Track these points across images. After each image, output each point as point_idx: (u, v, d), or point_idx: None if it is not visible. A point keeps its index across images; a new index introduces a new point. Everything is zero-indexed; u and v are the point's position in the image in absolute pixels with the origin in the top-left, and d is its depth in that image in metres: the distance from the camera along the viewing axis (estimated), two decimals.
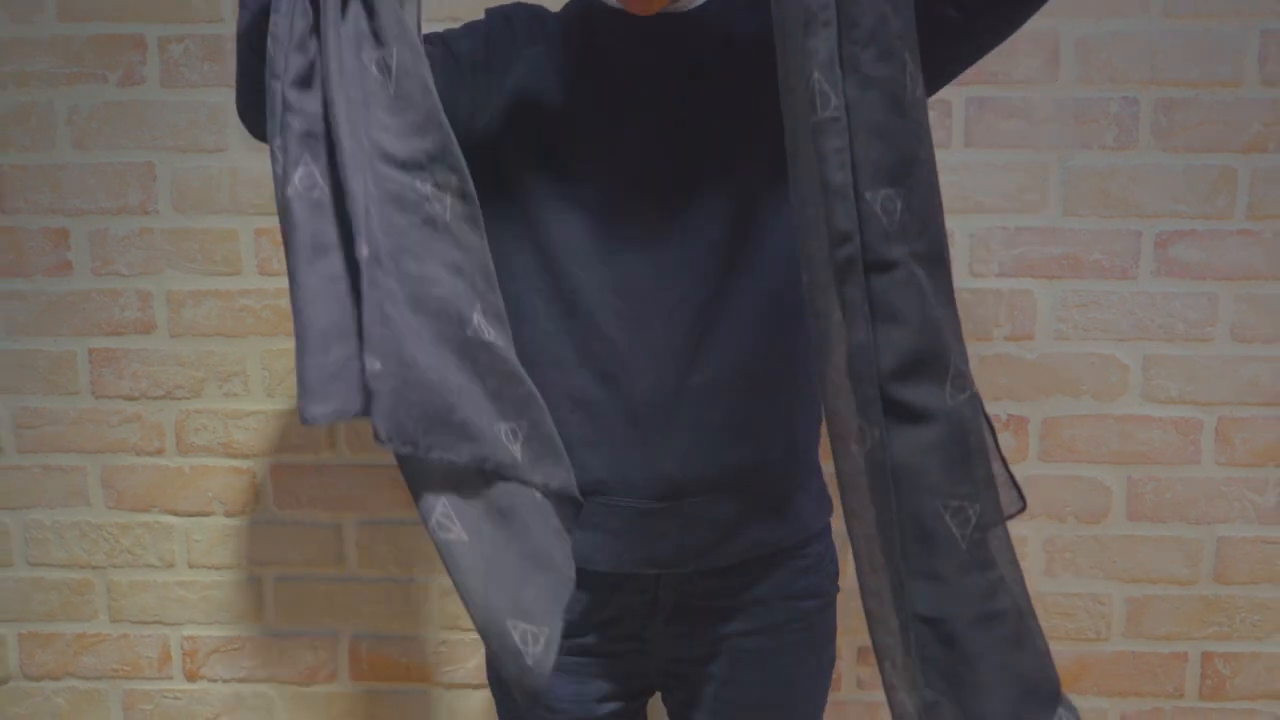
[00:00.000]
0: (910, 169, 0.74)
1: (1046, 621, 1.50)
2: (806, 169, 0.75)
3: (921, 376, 0.74)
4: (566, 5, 1.03)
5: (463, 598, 0.79)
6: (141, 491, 1.53)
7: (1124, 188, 1.42)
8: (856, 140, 0.73)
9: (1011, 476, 0.78)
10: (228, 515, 1.52)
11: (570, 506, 0.87)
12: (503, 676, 0.86)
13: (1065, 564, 1.49)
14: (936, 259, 0.75)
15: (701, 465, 0.98)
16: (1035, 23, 1.39)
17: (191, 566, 1.54)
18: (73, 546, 1.54)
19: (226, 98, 1.44)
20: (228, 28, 1.43)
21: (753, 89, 0.95)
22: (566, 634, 1.06)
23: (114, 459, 1.52)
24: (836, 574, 1.14)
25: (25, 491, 1.53)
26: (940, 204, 0.76)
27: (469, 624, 1.53)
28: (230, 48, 1.43)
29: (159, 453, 1.52)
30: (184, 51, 1.43)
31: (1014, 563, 0.77)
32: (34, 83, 1.45)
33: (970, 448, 0.75)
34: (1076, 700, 1.51)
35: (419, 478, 0.78)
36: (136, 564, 1.54)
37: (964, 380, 0.75)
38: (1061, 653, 1.50)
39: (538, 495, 0.83)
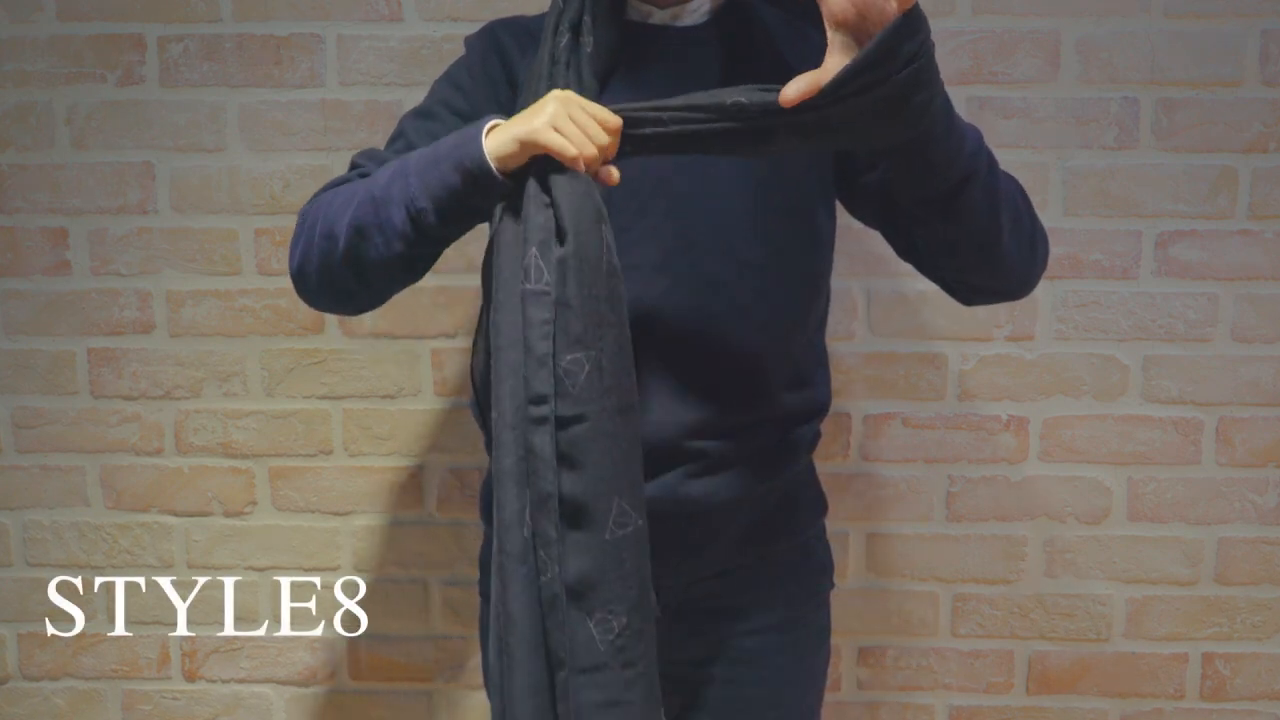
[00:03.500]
0: (601, 333, 0.84)
1: (1047, 622, 1.50)
2: (510, 322, 0.86)
3: (585, 519, 0.84)
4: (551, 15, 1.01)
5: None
6: (140, 491, 1.52)
7: (1124, 188, 1.41)
8: (558, 312, 0.83)
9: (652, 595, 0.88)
10: (227, 515, 1.52)
11: None
12: None
13: (1065, 564, 1.49)
14: (627, 409, 0.85)
15: (705, 486, 0.98)
16: (1035, 23, 1.39)
17: (190, 567, 1.54)
18: (71, 546, 1.54)
19: (226, 97, 1.44)
20: (227, 27, 1.43)
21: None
22: None
23: (113, 459, 1.52)
24: (832, 573, 1.14)
25: (24, 491, 1.53)
26: (630, 360, 0.87)
27: (468, 624, 1.53)
28: (229, 47, 1.43)
29: (158, 453, 1.52)
30: (183, 51, 1.43)
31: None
32: (34, 82, 1.45)
33: (623, 572, 0.84)
34: (1077, 701, 1.51)
35: None
36: (136, 564, 1.54)
37: (627, 517, 0.85)
38: (1062, 653, 1.50)
39: None
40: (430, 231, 0.88)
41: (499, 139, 0.85)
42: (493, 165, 0.85)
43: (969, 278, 0.96)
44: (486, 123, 0.87)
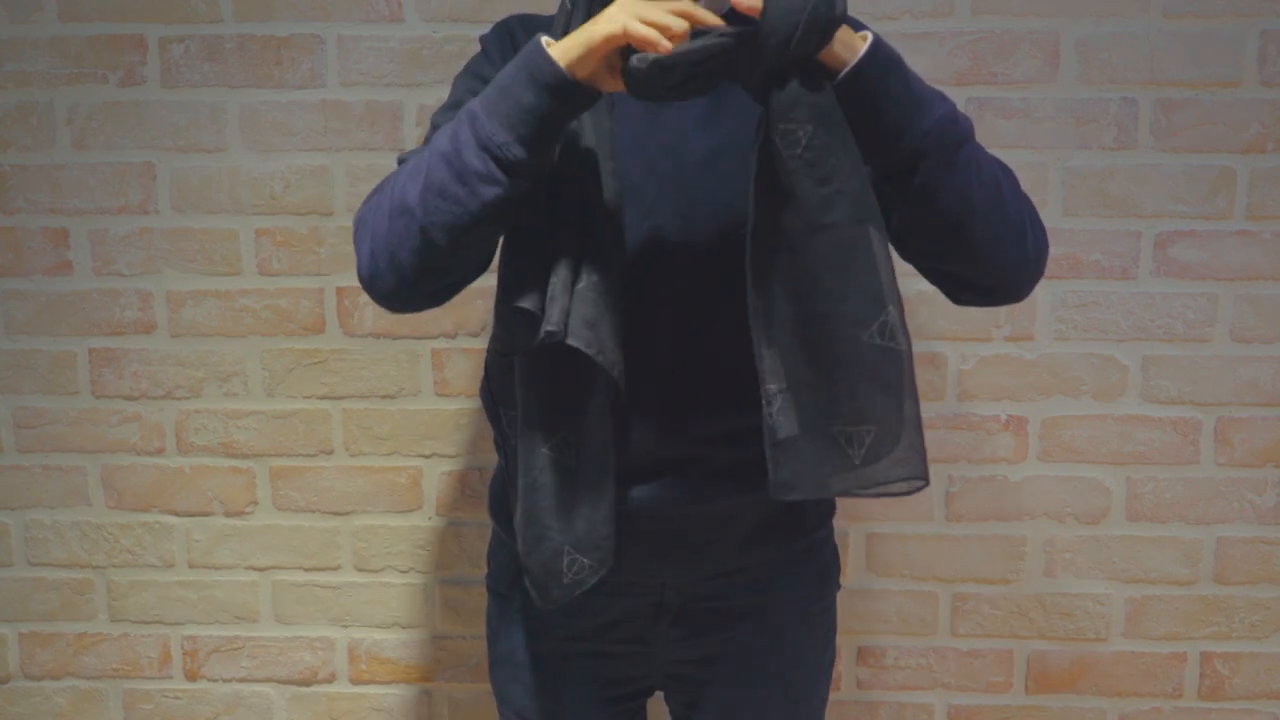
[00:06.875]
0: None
1: (1046, 622, 1.50)
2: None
3: None
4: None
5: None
6: (141, 491, 1.53)
7: (1124, 188, 1.42)
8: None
9: None
10: (227, 515, 1.53)
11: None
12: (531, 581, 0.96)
13: (1065, 564, 1.49)
14: None
15: (710, 491, 0.98)
16: (1035, 23, 1.39)
17: (191, 566, 1.54)
18: (73, 546, 1.54)
19: (226, 98, 1.44)
20: (228, 28, 1.43)
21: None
22: (568, 636, 1.06)
23: (114, 459, 1.52)
24: (838, 574, 1.14)
25: (25, 491, 1.53)
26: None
27: (468, 624, 1.53)
28: (230, 48, 1.43)
29: (159, 452, 1.52)
30: (184, 51, 1.44)
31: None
32: (34, 83, 1.45)
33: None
34: (1076, 700, 1.51)
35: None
36: (136, 564, 1.54)
37: None
38: (1060, 653, 1.51)
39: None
40: (518, 166, 0.84)
41: (564, 46, 0.83)
42: (567, 73, 0.82)
43: (946, 265, 0.93)
44: (539, 40, 0.85)
